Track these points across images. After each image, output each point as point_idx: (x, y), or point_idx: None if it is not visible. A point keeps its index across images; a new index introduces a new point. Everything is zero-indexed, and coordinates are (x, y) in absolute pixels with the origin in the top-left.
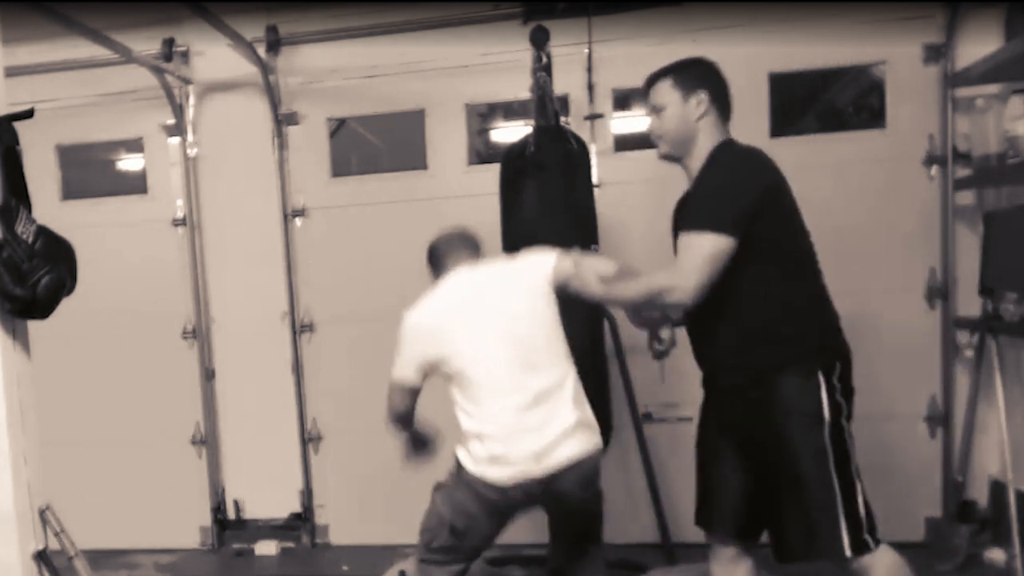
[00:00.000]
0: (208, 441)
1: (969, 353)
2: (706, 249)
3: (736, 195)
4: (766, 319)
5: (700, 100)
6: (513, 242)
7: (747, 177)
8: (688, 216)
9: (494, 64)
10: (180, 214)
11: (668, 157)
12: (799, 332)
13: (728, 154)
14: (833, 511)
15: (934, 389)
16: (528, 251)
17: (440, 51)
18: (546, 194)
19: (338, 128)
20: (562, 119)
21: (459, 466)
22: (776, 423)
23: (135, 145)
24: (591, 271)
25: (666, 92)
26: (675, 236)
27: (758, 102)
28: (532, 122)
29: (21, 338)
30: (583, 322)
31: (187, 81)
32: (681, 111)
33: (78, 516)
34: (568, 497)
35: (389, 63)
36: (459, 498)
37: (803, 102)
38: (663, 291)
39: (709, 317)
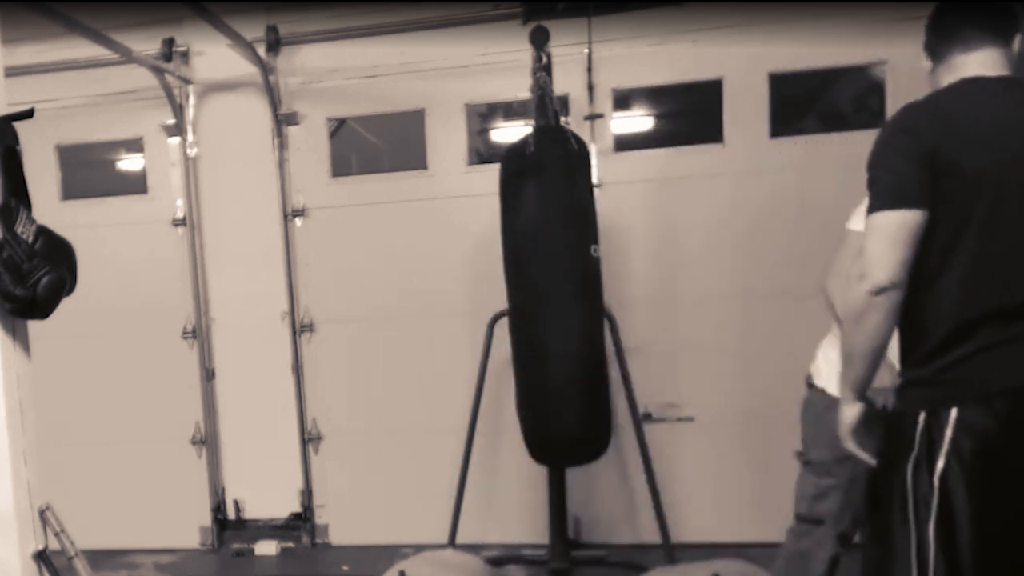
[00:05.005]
0: (208, 441)
1: None
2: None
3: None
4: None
5: (926, 57)
6: (513, 242)
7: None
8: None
9: (494, 64)
10: (180, 214)
11: None
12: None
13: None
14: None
15: None
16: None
17: (440, 51)
18: (546, 194)
19: (338, 128)
20: (562, 119)
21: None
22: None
23: (135, 145)
24: None
25: None
26: None
27: (758, 102)
28: (532, 122)
29: (21, 338)
30: (583, 322)
31: (187, 81)
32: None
33: (78, 516)
34: None
35: (389, 63)
36: None
37: (803, 102)
38: None
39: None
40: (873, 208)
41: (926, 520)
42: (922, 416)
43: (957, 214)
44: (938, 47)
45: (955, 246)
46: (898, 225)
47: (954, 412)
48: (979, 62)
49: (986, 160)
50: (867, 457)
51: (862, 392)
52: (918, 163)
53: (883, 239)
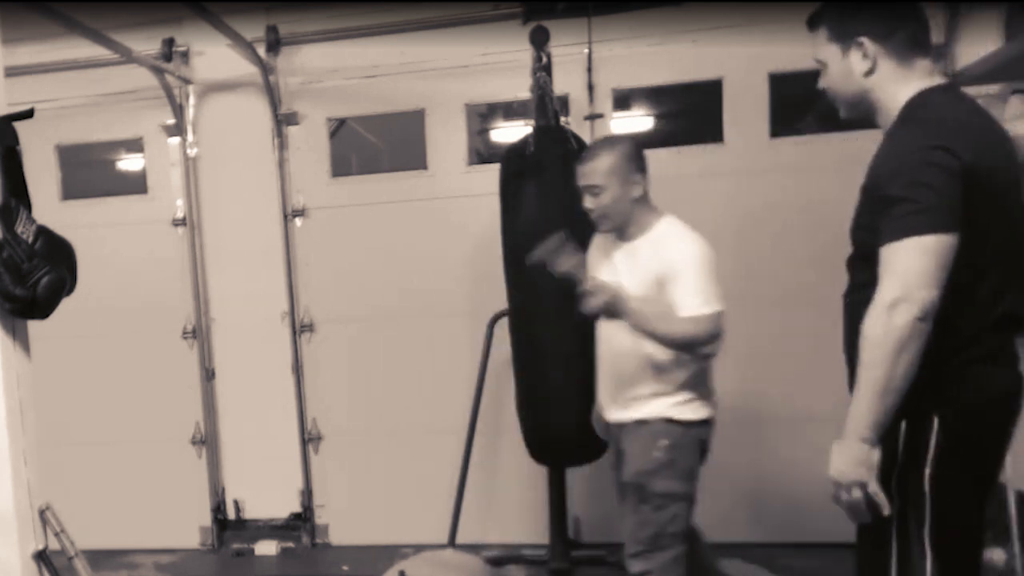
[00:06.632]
0: (208, 441)
1: None
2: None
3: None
4: None
5: (864, 52)
6: (513, 242)
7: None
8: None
9: (494, 64)
10: (180, 214)
11: (854, 118)
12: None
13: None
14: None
15: None
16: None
17: (440, 51)
18: (546, 194)
19: (338, 128)
20: (562, 119)
21: (686, 424)
22: None
23: (135, 145)
24: None
25: (823, 46)
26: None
27: (758, 102)
28: (532, 122)
29: (21, 338)
30: (583, 322)
31: (187, 81)
32: (842, 68)
33: (78, 516)
34: None
35: (389, 63)
36: (690, 460)
37: (803, 102)
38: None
39: None
40: (914, 230)
41: (920, 526)
42: (903, 425)
43: (972, 230)
44: (901, 45)
45: (961, 263)
46: (944, 249)
47: (936, 420)
48: (933, 68)
49: (998, 171)
50: (884, 502)
51: (884, 430)
52: (958, 181)
53: (930, 263)
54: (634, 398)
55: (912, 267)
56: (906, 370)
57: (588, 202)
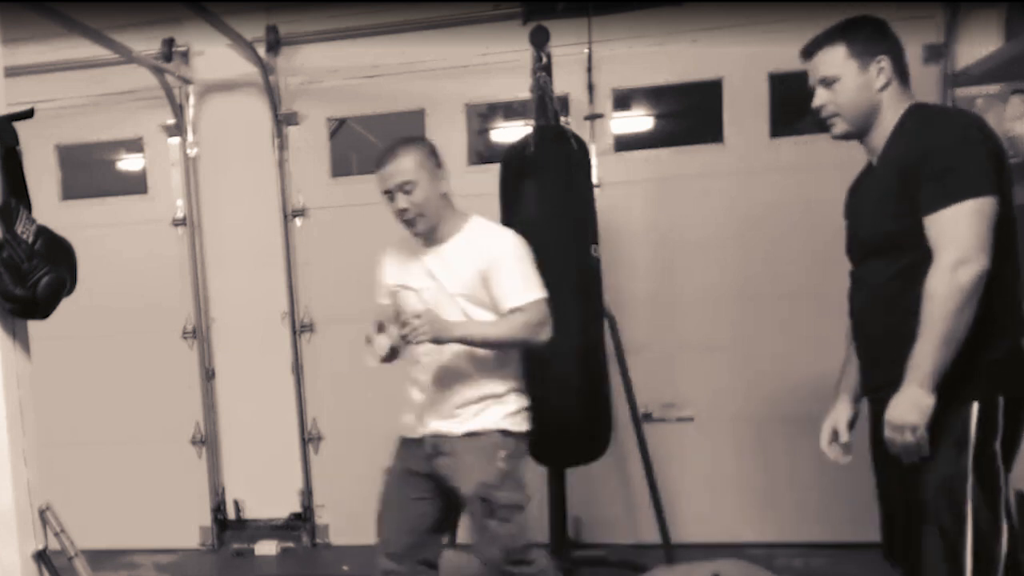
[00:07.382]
0: (208, 441)
1: None
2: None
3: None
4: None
5: (882, 68)
6: None
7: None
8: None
9: (494, 64)
10: (180, 214)
11: (846, 136)
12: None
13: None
14: (960, 544)
15: None
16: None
17: (440, 51)
18: (546, 194)
19: (338, 128)
20: (562, 119)
21: (517, 435)
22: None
23: (135, 145)
24: None
25: (837, 62)
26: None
27: (758, 102)
28: (532, 122)
29: (21, 338)
30: (583, 322)
31: (187, 81)
32: (860, 82)
33: (78, 516)
34: None
35: (389, 63)
36: (523, 470)
37: (803, 102)
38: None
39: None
40: (962, 195)
41: (995, 499)
42: (975, 406)
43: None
44: (903, 69)
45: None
46: (991, 209)
47: (1002, 400)
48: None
49: (1006, 161)
50: (927, 447)
51: (940, 379)
52: (992, 157)
53: (983, 223)
54: (461, 405)
55: (968, 230)
56: (966, 324)
57: (401, 202)
